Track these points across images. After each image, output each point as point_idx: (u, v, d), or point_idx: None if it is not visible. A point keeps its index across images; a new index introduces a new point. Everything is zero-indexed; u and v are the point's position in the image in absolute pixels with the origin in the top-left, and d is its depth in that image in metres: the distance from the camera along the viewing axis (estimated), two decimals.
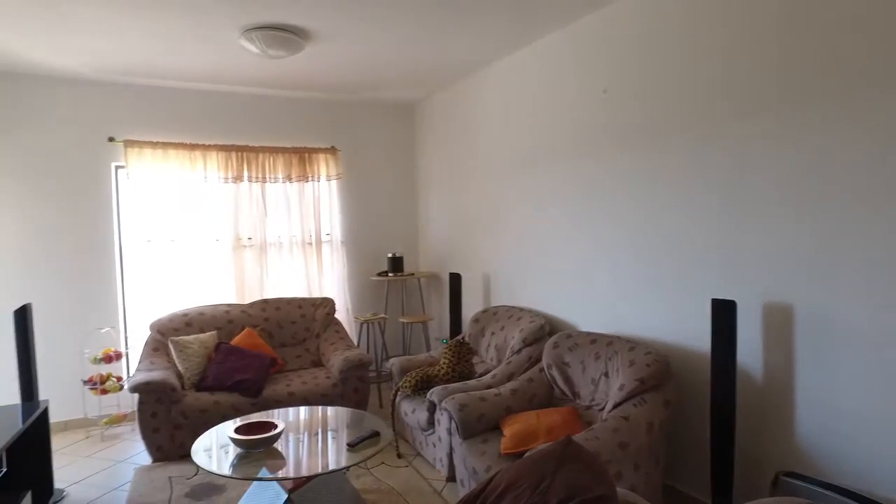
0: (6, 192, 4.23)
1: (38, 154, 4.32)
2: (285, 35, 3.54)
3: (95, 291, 4.49)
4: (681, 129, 2.87)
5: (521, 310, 4.00)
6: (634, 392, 2.72)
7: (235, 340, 4.37)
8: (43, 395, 4.25)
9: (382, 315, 5.03)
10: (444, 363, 3.79)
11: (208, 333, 4.34)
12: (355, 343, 4.95)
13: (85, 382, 4.25)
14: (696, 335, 2.86)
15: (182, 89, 4.74)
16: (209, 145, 4.76)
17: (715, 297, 2.73)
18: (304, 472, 2.60)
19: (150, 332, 4.32)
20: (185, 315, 4.44)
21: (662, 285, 3.04)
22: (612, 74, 3.27)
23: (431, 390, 3.45)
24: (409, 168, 5.71)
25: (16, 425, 2.81)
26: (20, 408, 3.15)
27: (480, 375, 3.76)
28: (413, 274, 5.30)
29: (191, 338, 4.20)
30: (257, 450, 2.71)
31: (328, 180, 5.25)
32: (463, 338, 3.91)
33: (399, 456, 3.77)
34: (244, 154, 4.89)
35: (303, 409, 3.46)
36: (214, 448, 2.78)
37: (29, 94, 4.28)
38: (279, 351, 4.62)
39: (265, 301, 4.79)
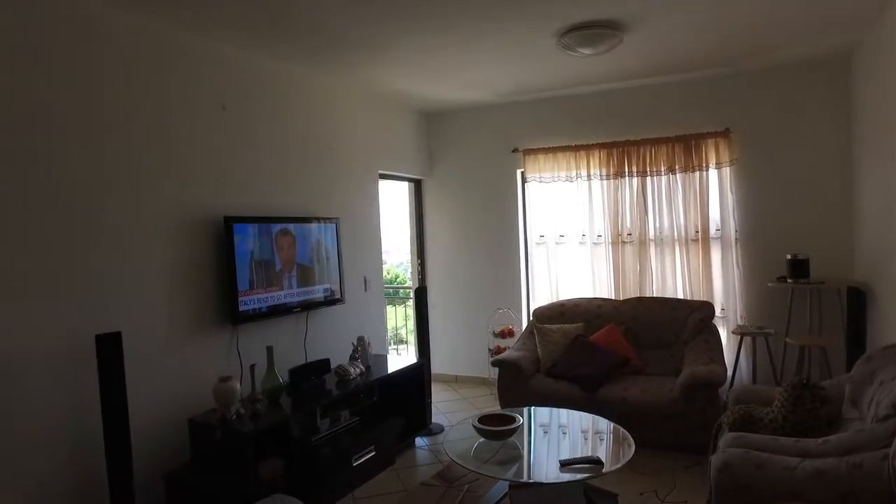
0: (445, 200, 5.68)
1: (464, 168, 5.59)
2: (594, 32, 3.46)
3: (505, 279, 5.47)
4: None
5: None
6: None
7: (596, 335, 4.51)
8: (466, 355, 5.56)
9: (768, 330, 4.08)
10: (776, 406, 2.93)
11: (573, 325, 4.64)
12: (727, 359, 4.21)
13: (490, 350, 5.30)
14: None
15: (561, 97, 5.09)
16: (591, 144, 4.97)
17: None
18: (508, 476, 2.70)
19: (531, 317, 4.97)
20: (561, 305, 4.88)
21: None
22: None
23: (727, 435, 2.77)
24: (836, 143, 4.28)
25: (379, 371, 3.97)
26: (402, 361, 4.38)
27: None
28: (824, 282, 4.02)
29: (555, 327, 4.61)
30: (495, 440, 2.97)
31: (718, 168, 4.58)
32: (807, 378, 2.85)
33: (709, 502, 3.15)
34: (625, 149, 4.86)
35: (582, 416, 3.45)
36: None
37: (455, 125, 5.59)
38: (643, 353, 4.45)
39: (639, 299, 4.68)
